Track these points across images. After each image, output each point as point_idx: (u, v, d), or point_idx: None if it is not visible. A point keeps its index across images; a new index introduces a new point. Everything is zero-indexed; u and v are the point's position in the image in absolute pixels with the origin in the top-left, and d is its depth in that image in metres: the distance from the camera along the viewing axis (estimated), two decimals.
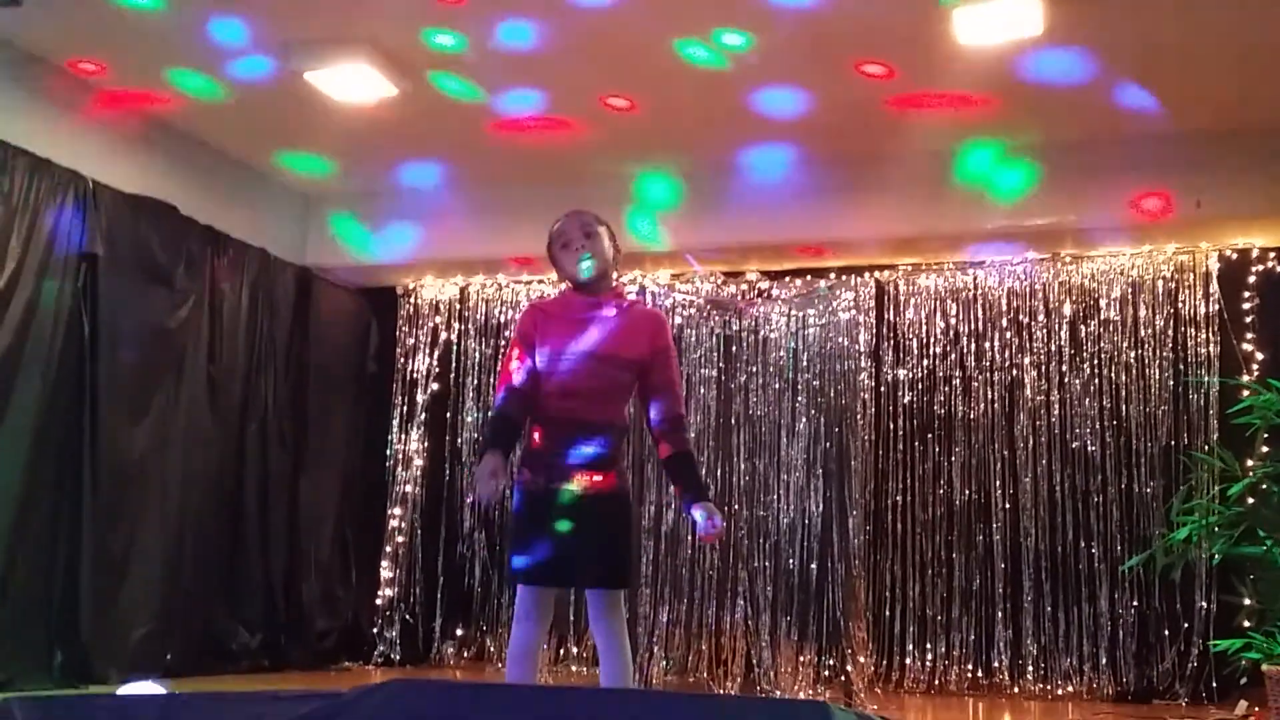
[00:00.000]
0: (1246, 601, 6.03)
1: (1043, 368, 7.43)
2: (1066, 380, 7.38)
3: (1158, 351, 7.23)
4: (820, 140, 7.00)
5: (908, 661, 7.37)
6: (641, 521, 7.15)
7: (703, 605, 7.46)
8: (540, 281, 8.33)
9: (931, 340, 7.68)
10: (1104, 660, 7.01)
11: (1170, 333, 7.22)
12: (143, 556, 6.68)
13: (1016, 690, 7.09)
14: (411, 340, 8.69)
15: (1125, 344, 7.29)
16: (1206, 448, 6.83)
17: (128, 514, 6.60)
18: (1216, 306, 7.12)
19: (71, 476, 6.25)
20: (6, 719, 2.91)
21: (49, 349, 6.12)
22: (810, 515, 7.32)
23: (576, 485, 3.63)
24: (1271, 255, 7.08)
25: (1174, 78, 6.14)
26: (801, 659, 7.04)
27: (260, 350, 7.75)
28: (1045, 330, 7.46)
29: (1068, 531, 7.23)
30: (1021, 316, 7.52)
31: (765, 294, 7.77)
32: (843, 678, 6.90)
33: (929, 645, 7.37)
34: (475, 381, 8.55)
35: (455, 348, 8.61)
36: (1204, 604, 6.83)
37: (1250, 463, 6.20)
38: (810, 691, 6.80)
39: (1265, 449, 6.21)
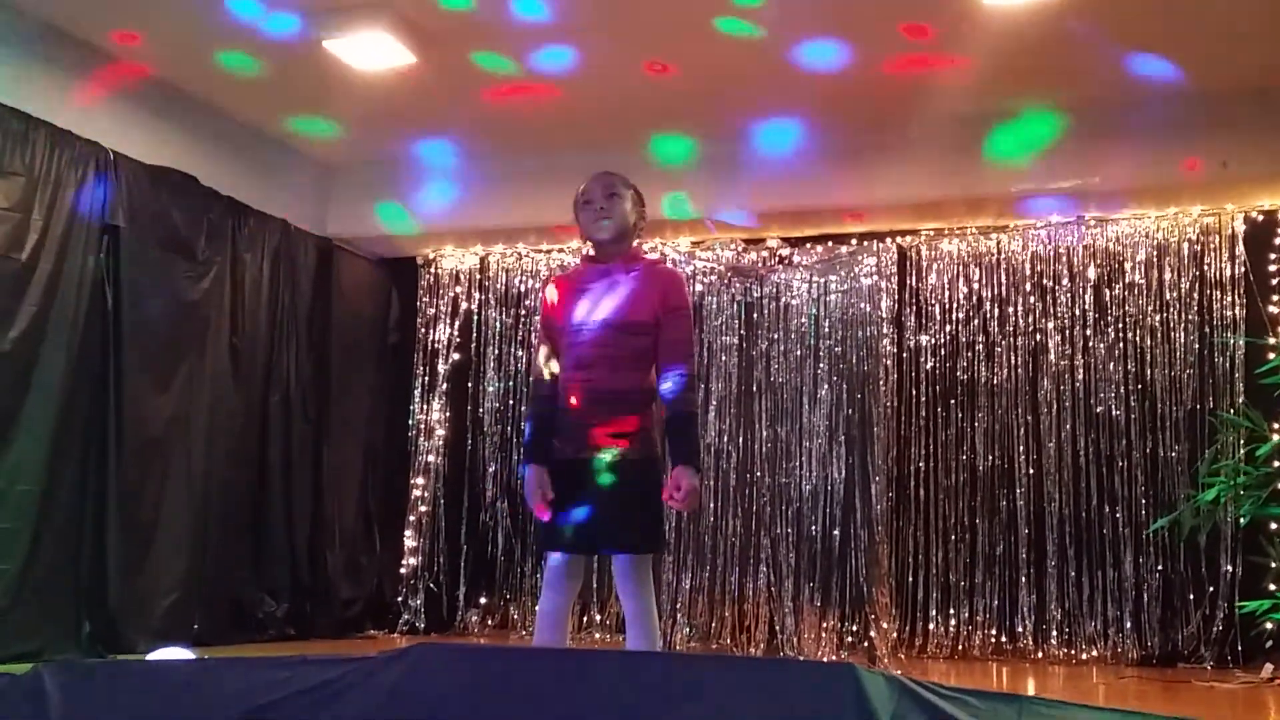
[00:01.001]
0: (1274, 564, 6.01)
1: (1066, 332, 7.38)
2: (1091, 344, 7.33)
3: (1183, 314, 7.17)
4: (841, 105, 6.94)
5: (931, 627, 7.36)
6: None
7: (726, 572, 7.49)
8: (560, 250, 8.32)
9: (954, 305, 7.64)
10: (1128, 624, 6.99)
11: (1195, 295, 7.15)
12: (169, 526, 6.72)
13: (1040, 655, 7.08)
14: (432, 310, 8.69)
15: (1150, 307, 7.23)
16: (1233, 410, 6.79)
17: (153, 484, 6.65)
18: (1242, 269, 7.05)
19: (97, 447, 6.28)
20: (38, 686, 2.93)
21: (73, 321, 6.14)
22: (833, 482, 7.33)
23: (602, 453, 3.62)
24: None
25: (1200, 38, 6.06)
26: (825, 625, 7.06)
27: (282, 321, 7.78)
28: (1069, 294, 7.40)
29: (1092, 496, 7.20)
30: (1045, 280, 7.47)
31: (786, 260, 7.75)
32: (866, 643, 6.91)
33: (952, 610, 7.36)
34: (496, 351, 8.56)
35: (476, 317, 8.61)
36: (1229, 567, 6.80)
37: (1278, 424, 6.16)
38: (834, 657, 6.82)
39: None
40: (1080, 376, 7.31)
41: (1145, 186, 7.01)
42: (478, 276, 8.66)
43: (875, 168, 7.25)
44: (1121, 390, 7.22)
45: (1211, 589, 6.85)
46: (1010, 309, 7.52)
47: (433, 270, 8.74)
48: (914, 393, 7.64)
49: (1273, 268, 7.00)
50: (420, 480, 8.47)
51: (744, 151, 7.39)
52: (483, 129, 7.55)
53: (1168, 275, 7.23)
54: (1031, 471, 7.35)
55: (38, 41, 6.14)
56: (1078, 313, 7.38)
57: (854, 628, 7.05)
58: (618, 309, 3.70)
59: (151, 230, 6.69)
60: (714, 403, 7.73)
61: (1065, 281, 7.42)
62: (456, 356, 8.60)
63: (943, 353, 7.63)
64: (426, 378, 8.63)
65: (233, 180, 7.35)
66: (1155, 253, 7.27)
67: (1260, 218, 7.08)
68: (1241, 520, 6.53)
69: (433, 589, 8.32)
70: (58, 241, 6.08)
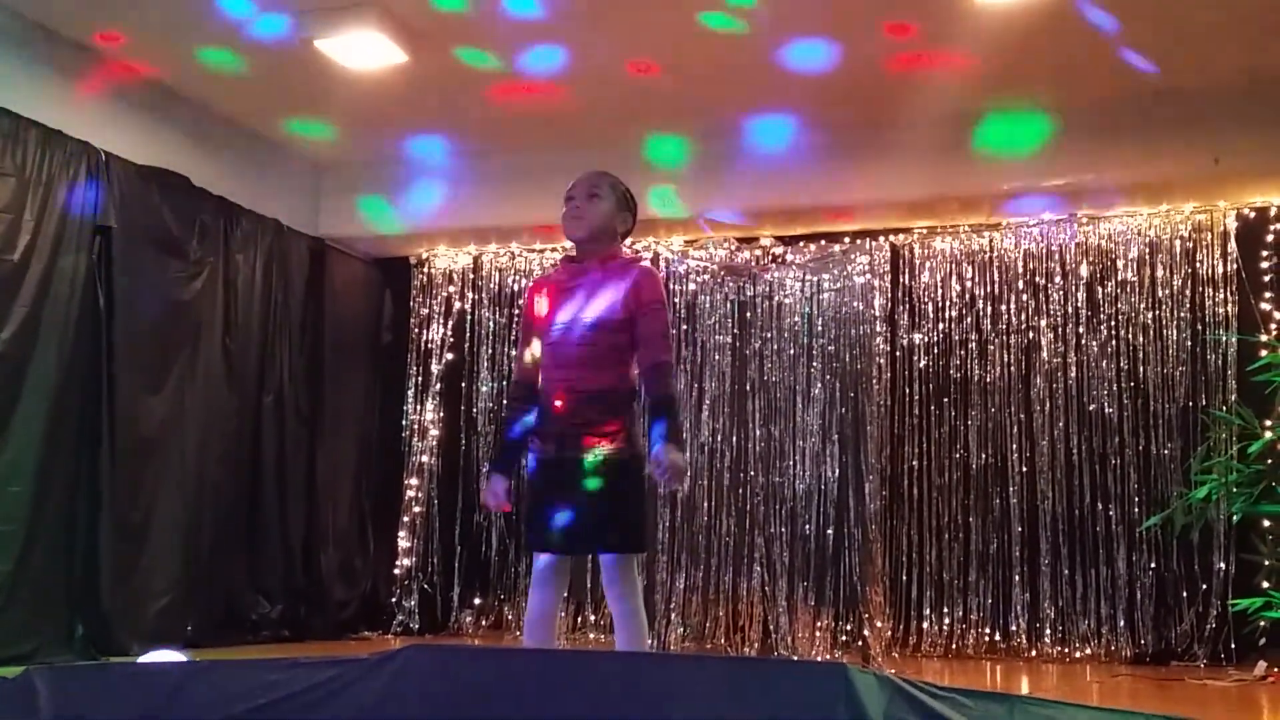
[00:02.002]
0: (1266, 561, 6.02)
1: (1059, 330, 7.39)
2: (1084, 342, 7.33)
3: (1175, 312, 7.18)
4: (833, 103, 6.93)
5: (925, 625, 7.36)
6: (657, 487, 7.16)
7: (719, 571, 7.48)
8: (554, 250, 8.31)
9: (947, 303, 7.64)
10: (1122, 622, 7.00)
11: (1188, 293, 7.16)
12: (162, 527, 6.71)
13: (1034, 653, 7.09)
14: (425, 310, 8.68)
15: (1143, 305, 7.24)
16: (1225, 407, 6.79)
17: (146, 485, 6.64)
18: (1234, 266, 7.06)
19: (90, 448, 6.27)
20: (28, 689, 2.93)
21: (65, 322, 6.13)
22: (826, 480, 7.33)
23: (586, 453, 3.63)
24: None
25: (1191, 34, 6.06)
26: (819, 624, 7.07)
27: (275, 321, 7.76)
28: (1062, 292, 7.41)
29: (1085, 494, 7.20)
30: (1038, 278, 7.48)
31: (779, 259, 7.74)
32: (860, 642, 6.92)
33: (946, 609, 7.37)
34: (490, 351, 8.55)
35: (469, 317, 8.60)
36: (1222, 565, 6.80)
37: (1269, 422, 6.17)
38: (827, 656, 6.82)
39: None
40: (1073, 374, 7.32)
41: (1137, 184, 7.02)
42: (471, 276, 8.65)
43: (868, 166, 7.25)
44: (1114, 388, 7.23)
45: (1204, 587, 6.86)
46: (1003, 307, 7.52)
47: (426, 270, 8.73)
48: (907, 391, 7.64)
49: (1265, 265, 7.00)
50: (414, 481, 8.46)
51: (737, 150, 7.38)
52: (475, 128, 7.54)
53: (1160, 272, 7.24)
54: (1024, 469, 7.36)
55: (28, 41, 6.12)
56: (1070, 310, 7.39)
57: (848, 627, 7.06)
58: (594, 308, 3.72)
59: (143, 230, 6.67)
60: (707, 402, 7.72)
61: (1058, 279, 7.43)
62: (450, 356, 8.59)
63: (936, 351, 7.63)
64: (420, 378, 8.62)
65: (225, 180, 7.34)
66: (1147, 250, 7.27)
67: (1252, 214, 7.08)
68: (1234, 517, 6.55)
69: (427, 590, 8.31)
70: (49, 242, 6.06)
